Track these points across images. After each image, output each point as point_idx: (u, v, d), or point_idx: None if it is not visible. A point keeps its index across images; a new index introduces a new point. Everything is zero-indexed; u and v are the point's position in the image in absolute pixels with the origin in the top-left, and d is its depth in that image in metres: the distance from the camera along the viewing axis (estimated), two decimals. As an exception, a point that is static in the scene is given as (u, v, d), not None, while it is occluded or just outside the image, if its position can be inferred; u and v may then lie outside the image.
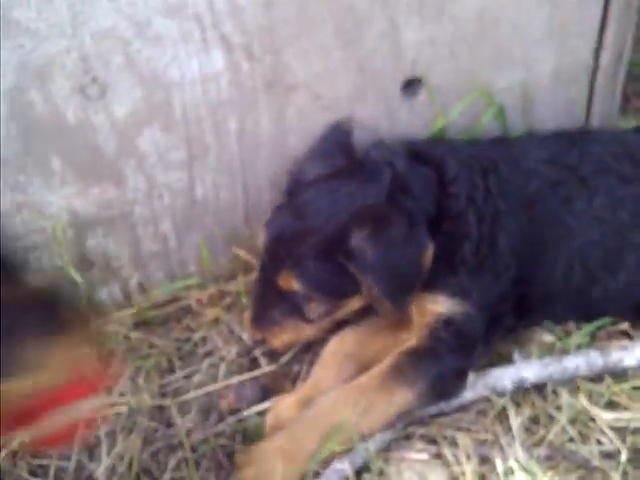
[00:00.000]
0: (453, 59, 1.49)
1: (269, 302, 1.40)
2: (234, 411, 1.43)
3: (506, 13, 1.45)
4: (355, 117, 1.45)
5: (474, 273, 1.38)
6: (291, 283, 1.34)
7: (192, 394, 1.46)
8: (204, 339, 1.55)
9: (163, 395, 1.46)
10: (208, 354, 1.53)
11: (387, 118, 1.50)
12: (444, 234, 1.36)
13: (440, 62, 1.48)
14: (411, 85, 1.50)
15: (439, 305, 1.37)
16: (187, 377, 1.49)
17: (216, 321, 1.56)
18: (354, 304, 1.39)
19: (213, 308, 1.57)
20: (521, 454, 1.31)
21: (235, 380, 1.47)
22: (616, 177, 1.44)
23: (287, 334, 1.42)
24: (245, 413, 1.42)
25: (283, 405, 1.38)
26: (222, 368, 1.49)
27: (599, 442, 1.34)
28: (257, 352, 1.51)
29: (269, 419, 1.38)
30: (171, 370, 1.50)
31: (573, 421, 1.36)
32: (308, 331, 1.43)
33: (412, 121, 1.53)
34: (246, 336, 1.52)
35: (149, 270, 1.56)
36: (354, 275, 1.30)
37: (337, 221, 1.31)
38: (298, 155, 1.44)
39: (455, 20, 1.44)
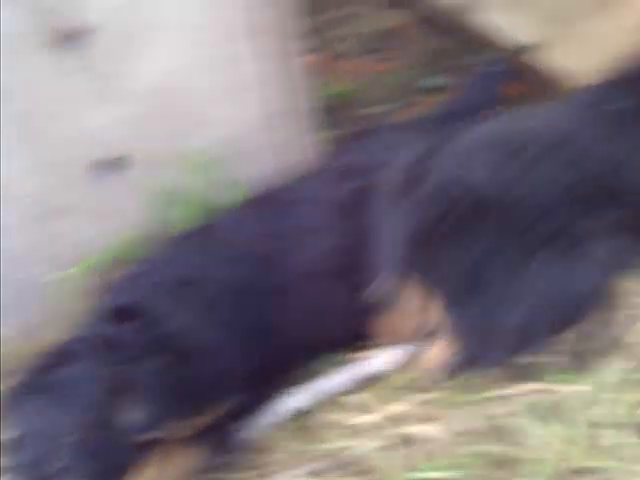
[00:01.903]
0: (146, 132, 1.57)
1: None
2: None
3: (180, 82, 1.55)
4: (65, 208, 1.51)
5: None
6: None
7: None
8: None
9: None
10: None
11: (99, 200, 1.56)
12: None
13: (136, 138, 1.56)
14: (115, 165, 1.57)
15: None
16: None
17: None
18: None
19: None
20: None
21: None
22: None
23: None
24: None
25: None
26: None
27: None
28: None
29: None
30: None
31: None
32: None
33: (127, 196, 1.59)
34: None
35: None
36: None
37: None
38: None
39: (135, 98, 1.52)
